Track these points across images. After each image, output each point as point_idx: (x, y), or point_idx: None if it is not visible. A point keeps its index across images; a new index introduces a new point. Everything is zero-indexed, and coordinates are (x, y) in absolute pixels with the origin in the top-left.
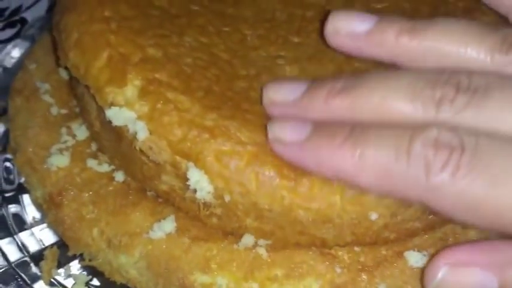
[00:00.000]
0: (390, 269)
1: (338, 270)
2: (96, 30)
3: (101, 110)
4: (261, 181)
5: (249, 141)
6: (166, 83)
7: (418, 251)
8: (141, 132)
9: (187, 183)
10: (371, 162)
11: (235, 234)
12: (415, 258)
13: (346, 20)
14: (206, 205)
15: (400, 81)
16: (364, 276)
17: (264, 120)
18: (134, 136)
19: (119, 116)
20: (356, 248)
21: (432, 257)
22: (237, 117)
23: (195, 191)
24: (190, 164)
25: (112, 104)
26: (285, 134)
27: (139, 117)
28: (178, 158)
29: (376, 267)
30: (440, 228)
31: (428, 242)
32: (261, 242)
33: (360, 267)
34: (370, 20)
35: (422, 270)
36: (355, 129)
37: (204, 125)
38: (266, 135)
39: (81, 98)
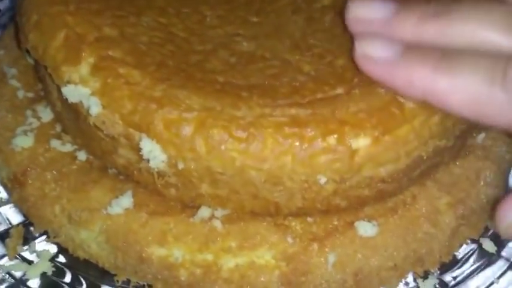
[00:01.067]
0: (340, 238)
1: (290, 240)
2: (54, 12)
3: (59, 90)
4: (210, 145)
5: (198, 107)
6: (119, 60)
7: (368, 220)
8: (94, 107)
9: (141, 153)
10: (465, 86)
11: (193, 206)
12: (364, 228)
13: (366, 6)
14: (161, 174)
15: (493, 14)
16: (315, 246)
17: (217, 86)
18: (88, 112)
19: (73, 93)
20: (309, 219)
21: (383, 227)
22: (188, 86)
23: (148, 160)
24: (143, 134)
25: (68, 82)
26: (376, 51)
27: (93, 93)
28: (131, 130)
29: (327, 237)
30: (390, 198)
31: (379, 212)
32: (218, 213)
33: (312, 237)
34: (389, 7)
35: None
36: (448, 54)
37: (153, 96)
38: (217, 99)
39: (43, 80)
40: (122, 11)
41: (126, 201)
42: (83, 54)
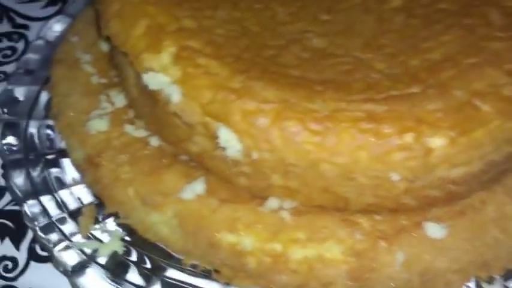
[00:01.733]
0: (409, 238)
1: (358, 236)
2: (135, 1)
3: (138, 77)
4: (286, 137)
5: (275, 98)
6: (198, 50)
7: (437, 222)
8: (175, 95)
9: (217, 142)
10: None
11: (261, 196)
12: (433, 229)
13: None
14: (235, 163)
15: None
16: (383, 244)
17: (291, 80)
18: (168, 99)
19: (154, 80)
20: (376, 217)
21: (451, 229)
22: (264, 78)
23: (225, 149)
24: (220, 124)
25: (148, 70)
26: None
27: (173, 82)
28: (208, 119)
29: (395, 236)
30: (458, 201)
31: (448, 214)
32: (286, 204)
33: (380, 234)
34: None
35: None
36: None
37: (232, 87)
38: (292, 91)
39: (119, 67)
40: (199, 3)
41: (198, 187)
42: (165, 43)
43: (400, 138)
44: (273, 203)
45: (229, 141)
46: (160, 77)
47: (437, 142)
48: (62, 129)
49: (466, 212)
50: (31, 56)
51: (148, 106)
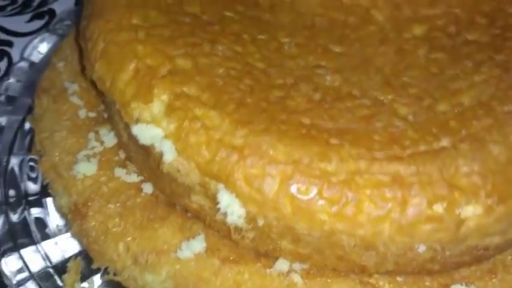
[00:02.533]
0: None
1: None
2: (123, 40)
3: (127, 125)
4: (297, 205)
5: (284, 158)
6: (195, 98)
7: (466, 284)
8: (168, 153)
9: (218, 206)
10: None
11: (268, 256)
12: None
13: None
14: (238, 229)
15: None
16: None
17: (303, 130)
18: (161, 156)
19: (145, 133)
20: (398, 279)
21: None
22: (271, 130)
23: (225, 214)
24: (221, 185)
25: (138, 121)
26: None
27: (166, 136)
28: (207, 179)
29: None
30: (488, 260)
31: (476, 274)
32: (296, 266)
33: None
34: None
35: None
36: None
37: (234, 144)
38: (304, 147)
39: (109, 107)
40: (195, 38)
41: (198, 245)
42: (155, 91)
43: (429, 208)
44: (282, 265)
45: (231, 206)
46: (152, 129)
47: (470, 211)
48: (46, 171)
49: (497, 270)
50: (13, 82)
51: (140, 154)
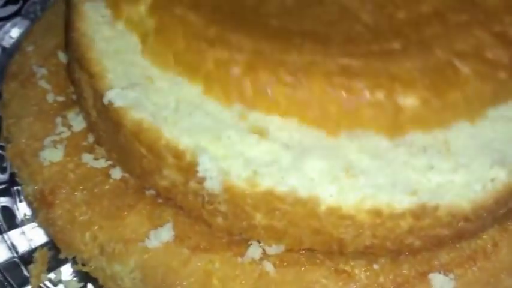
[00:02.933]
0: None
1: None
2: None
3: (97, 97)
4: (258, 88)
5: (249, 49)
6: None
7: (444, 273)
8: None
9: (198, 171)
10: None
11: (240, 244)
12: (441, 282)
13: None
14: (211, 199)
15: None
16: None
17: (270, 31)
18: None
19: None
20: (375, 266)
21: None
22: (241, 29)
23: (204, 180)
24: (201, 149)
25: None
26: None
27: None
28: (187, 149)
29: None
30: (469, 240)
31: (455, 260)
32: (270, 250)
33: None
34: None
35: None
36: None
37: (206, 37)
38: (268, 43)
39: (78, 84)
40: None
41: (166, 233)
42: None
43: (371, 95)
44: (254, 251)
45: (210, 171)
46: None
47: (409, 101)
48: (13, 158)
49: (477, 257)
50: None
51: (109, 132)
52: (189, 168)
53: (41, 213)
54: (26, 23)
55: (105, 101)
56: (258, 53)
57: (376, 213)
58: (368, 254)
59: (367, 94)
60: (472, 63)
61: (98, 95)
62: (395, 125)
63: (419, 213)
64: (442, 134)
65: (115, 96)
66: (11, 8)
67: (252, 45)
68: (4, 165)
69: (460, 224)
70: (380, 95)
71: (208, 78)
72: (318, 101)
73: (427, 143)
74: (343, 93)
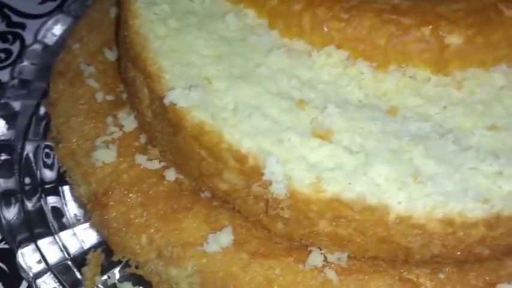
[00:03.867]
0: None
1: None
2: None
3: (154, 97)
4: (315, 22)
5: None
6: None
7: None
8: None
9: (264, 174)
10: None
11: (301, 250)
12: None
13: None
14: (275, 203)
15: None
16: None
17: None
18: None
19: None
20: (440, 275)
21: None
22: None
23: (268, 184)
24: (266, 152)
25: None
26: None
27: None
28: (250, 153)
29: None
30: None
31: None
32: (331, 257)
33: None
34: None
35: None
36: None
37: None
38: None
39: (132, 84)
40: None
41: (224, 238)
42: None
43: (417, 30)
44: (316, 258)
45: (276, 175)
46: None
47: (454, 39)
48: (63, 158)
49: None
50: (27, 65)
51: (166, 133)
52: (251, 172)
53: (95, 215)
54: (68, 20)
55: (167, 101)
56: None
57: (449, 222)
58: (433, 262)
59: (414, 30)
60: None
61: (156, 95)
62: (440, 61)
63: (493, 222)
64: (510, 137)
65: (178, 97)
66: (50, 5)
67: None
68: (50, 162)
69: None
70: (426, 31)
71: (273, 12)
72: (368, 35)
73: (494, 146)
74: (392, 28)
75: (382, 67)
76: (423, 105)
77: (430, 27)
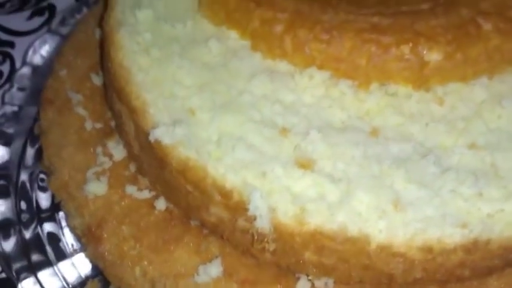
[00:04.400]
0: None
1: None
2: None
3: (140, 131)
4: (297, 44)
5: (291, 9)
6: None
7: None
8: None
9: (248, 209)
10: None
11: (288, 277)
12: None
13: None
14: (260, 238)
15: None
16: None
17: None
18: None
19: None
20: None
21: None
22: None
23: (253, 218)
24: (250, 187)
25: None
26: None
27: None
28: (235, 188)
29: None
30: None
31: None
32: (319, 283)
33: None
34: None
35: None
36: None
37: None
38: (309, 4)
39: (118, 116)
40: None
41: (214, 269)
42: None
43: (397, 48)
44: (303, 285)
45: (260, 209)
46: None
47: (433, 56)
48: (57, 190)
49: None
50: (17, 91)
51: (153, 166)
52: (237, 207)
53: (90, 247)
54: (56, 39)
55: (152, 138)
56: (298, 13)
57: (428, 249)
58: (416, 284)
59: (394, 48)
60: (494, 21)
61: (141, 130)
62: (421, 77)
63: (471, 247)
64: (489, 155)
65: (162, 134)
66: (38, 20)
67: (293, 5)
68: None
69: (510, 256)
70: (406, 49)
71: (255, 34)
72: (349, 55)
73: (474, 166)
74: (373, 48)
75: (364, 86)
76: (405, 123)
77: (410, 45)
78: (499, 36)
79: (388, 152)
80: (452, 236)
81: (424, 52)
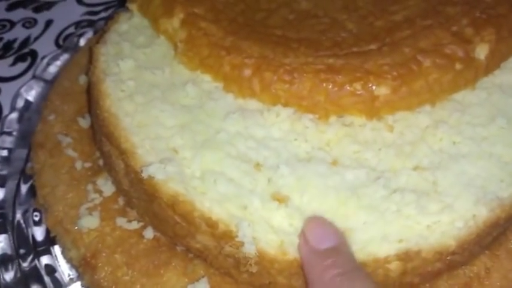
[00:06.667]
0: None
1: None
2: None
3: (130, 171)
4: (264, 85)
5: (257, 54)
6: (201, 16)
7: None
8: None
9: (235, 237)
10: None
11: None
12: None
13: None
14: (244, 260)
15: None
16: None
17: (274, 39)
18: None
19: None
20: None
21: None
22: (251, 38)
23: (240, 245)
24: (237, 217)
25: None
26: None
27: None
28: (220, 219)
29: None
30: (463, 266)
31: None
32: None
33: None
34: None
35: None
36: None
37: (224, 46)
38: (272, 49)
39: (108, 157)
40: None
41: (202, 287)
42: (175, 10)
43: (351, 86)
44: None
45: (247, 237)
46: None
47: (382, 90)
48: (53, 226)
49: (472, 284)
50: (7, 135)
51: (142, 200)
52: (223, 236)
53: (86, 276)
54: (40, 84)
55: (145, 175)
56: (264, 58)
57: (363, 265)
58: None
59: (347, 86)
60: (432, 57)
61: (131, 169)
62: (372, 109)
63: (404, 257)
64: (432, 175)
65: (155, 171)
66: (21, 66)
67: (259, 51)
68: (39, 219)
69: (448, 258)
70: (358, 86)
71: (226, 77)
72: (309, 93)
73: (418, 186)
74: (329, 86)
75: (324, 119)
76: (360, 150)
77: (361, 82)
78: (437, 70)
79: (344, 180)
80: (386, 250)
81: (374, 88)
